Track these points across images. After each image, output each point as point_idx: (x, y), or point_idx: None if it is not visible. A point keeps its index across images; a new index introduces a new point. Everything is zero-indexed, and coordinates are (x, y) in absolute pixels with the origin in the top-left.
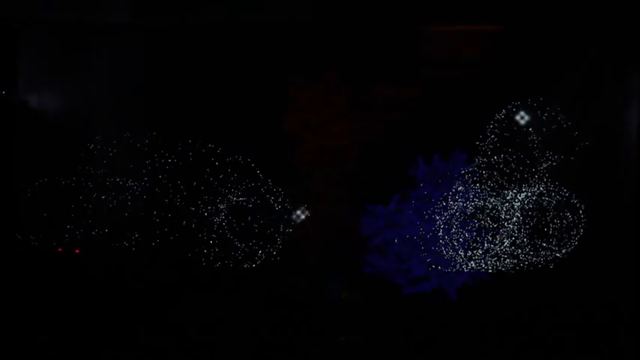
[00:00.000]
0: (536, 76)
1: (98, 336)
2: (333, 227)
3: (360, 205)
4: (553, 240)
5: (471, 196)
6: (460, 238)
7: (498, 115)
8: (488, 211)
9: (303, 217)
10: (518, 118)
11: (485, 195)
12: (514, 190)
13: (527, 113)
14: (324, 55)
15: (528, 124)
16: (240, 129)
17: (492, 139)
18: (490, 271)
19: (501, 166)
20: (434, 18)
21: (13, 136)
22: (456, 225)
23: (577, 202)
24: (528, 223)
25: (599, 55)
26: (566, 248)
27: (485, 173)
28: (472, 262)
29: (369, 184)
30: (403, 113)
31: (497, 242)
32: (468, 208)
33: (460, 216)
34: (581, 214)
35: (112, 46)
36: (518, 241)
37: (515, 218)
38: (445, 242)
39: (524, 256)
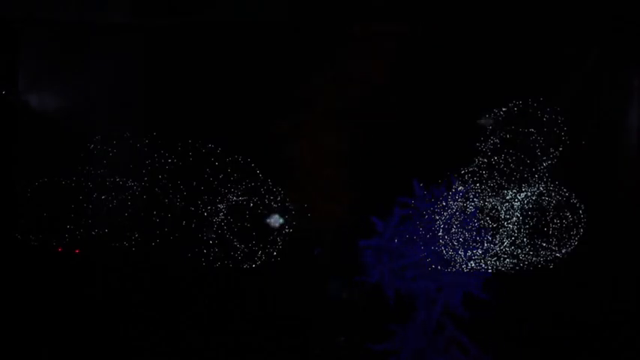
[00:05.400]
0: (535, 76)
1: (97, 336)
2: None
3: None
4: (553, 240)
5: (471, 196)
6: (460, 237)
7: (499, 114)
8: (488, 211)
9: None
10: (483, 122)
11: (485, 195)
12: (514, 190)
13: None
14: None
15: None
16: (240, 129)
17: (493, 139)
18: (490, 270)
19: (501, 166)
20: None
21: (13, 136)
22: (456, 225)
23: (577, 202)
24: (528, 223)
25: (599, 55)
26: (566, 248)
27: (485, 173)
28: (472, 262)
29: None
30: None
31: (497, 242)
32: (468, 208)
33: (460, 216)
34: (581, 214)
35: (112, 46)
36: (518, 241)
37: (515, 218)
38: (445, 242)
39: (524, 256)
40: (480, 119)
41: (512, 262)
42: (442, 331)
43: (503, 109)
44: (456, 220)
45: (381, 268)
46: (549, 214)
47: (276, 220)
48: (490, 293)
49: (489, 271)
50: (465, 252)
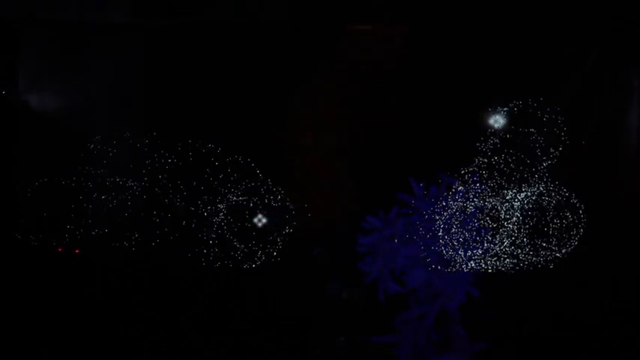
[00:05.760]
0: (535, 76)
1: (97, 336)
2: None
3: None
4: (553, 240)
5: (471, 196)
6: (460, 237)
7: (500, 114)
8: (488, 211)
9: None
10: (492, 121)
11: (485, 195)
12: (514, 190)
13: (502, 117)
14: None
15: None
16: (240, 129)
17: (493, 139)
18: (490, 270)
19: (501, 166)
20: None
21: (13, 136)
22: (456, 225)
23: (577, 202)
24: (528, 223)
25: (599, 55)
26: (566, 248)
27: (485, 173)
28: (472, 262)
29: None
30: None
31: (497, 242)
32: (468, 207)
33: (460, 216)
34: (581, 214)
35: (112, 46)
36: (518, 241)
37: (515, 218)
38: (445, 242)
39: (524, 256)
40: (481, 119)
41: (512, 262)
42: (441, 327)
43: (504, 110)
44: (456, 220)
45: (378, 267)
46: (549, 214)
47: (261, 220)
48: (489, 292)
49: (489, 270)
50: (465, 252)
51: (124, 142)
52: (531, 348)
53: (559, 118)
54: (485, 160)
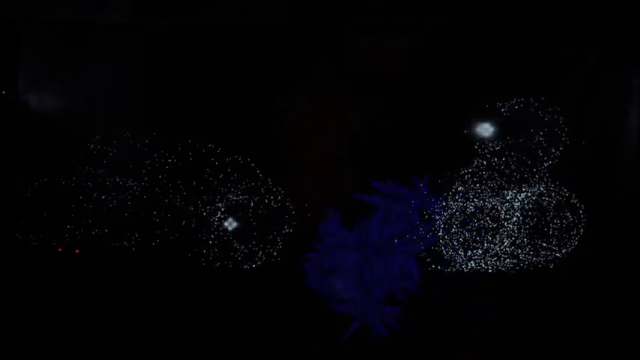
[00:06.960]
0: (536, 76)
1: (97, 336)
2: None
3: None
4: (553, 240)
5: (471, 196)
6: (460, 237)
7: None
8: (488, 211)
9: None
10: (481, 130)
11: (485, 195)
12: (514, 190)
13: (489, 125)
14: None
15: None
16: (239, 129)
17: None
18: (490, 270)
19: (501, 167)
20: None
21: (13, 136)
22: (456, 225)
23: (577, 202)
24: (528, 223)
25: (599, 55)
26: (566, 248)
27: (485, 173)
28: (472, 262)
29: None
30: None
31: (497, 242)
32: (468, 208)
33: (460, 216)
34: (581, 214)
35: (112, 46)
36: (518, 241)
37: (515, 218)
38: (445, 242)
39: (524, 256)
40: (481, 119)
41: (512, 262)
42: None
43: (504, 109)
44: (456, 220)
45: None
46: (549, 214)
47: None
48: (489, 292)
49: (489, 270)
50: (465, 252)
51: (124, 142)
52: (531, 348)
53: (559, 118)
54: (484, 161)
